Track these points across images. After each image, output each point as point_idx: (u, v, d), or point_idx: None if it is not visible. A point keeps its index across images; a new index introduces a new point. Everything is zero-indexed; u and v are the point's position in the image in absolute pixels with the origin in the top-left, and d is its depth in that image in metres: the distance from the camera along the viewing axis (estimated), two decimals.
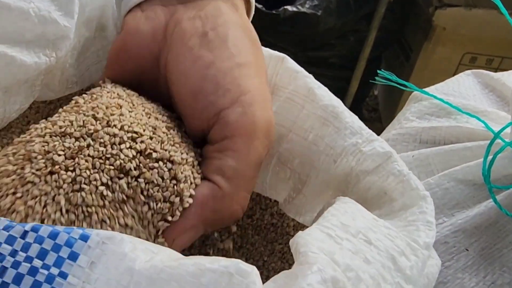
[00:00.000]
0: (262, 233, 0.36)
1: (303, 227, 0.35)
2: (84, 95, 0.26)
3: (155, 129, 0.25)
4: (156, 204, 0.23)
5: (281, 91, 0.30)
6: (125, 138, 0.23)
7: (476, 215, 0.35)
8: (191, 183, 0.24)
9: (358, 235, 0.23)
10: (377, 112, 1.55)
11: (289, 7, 1.15)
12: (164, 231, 0.24)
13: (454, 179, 0.36)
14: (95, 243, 0.18)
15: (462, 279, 0.34)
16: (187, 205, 0.24)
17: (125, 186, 0.23)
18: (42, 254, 0.18)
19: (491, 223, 0.35)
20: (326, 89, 0.30)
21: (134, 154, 0.23)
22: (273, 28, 1.15)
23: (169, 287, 0.18)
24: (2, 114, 0.29)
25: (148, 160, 0.23)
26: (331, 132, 0.29)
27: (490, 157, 0.34)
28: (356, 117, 0.29)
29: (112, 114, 0.24)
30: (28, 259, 0.18)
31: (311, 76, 0.30)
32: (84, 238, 0.18)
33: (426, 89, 0.43)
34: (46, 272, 0.18)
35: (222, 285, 0.18)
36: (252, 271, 0.19)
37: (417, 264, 0.24)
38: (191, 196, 0.24)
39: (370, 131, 0.29)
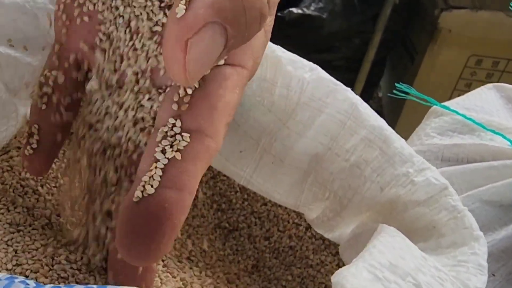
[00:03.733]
0: (280, 256, 0.34)
1: (323, 250, 0.34)
2: None
3: None
4: None
5: (315, 103, 0.28)
6: None
7: (503, 238, 0.34)
8: None
9: (407, 277, 0.21)
10: (381, 114, 1.54)
11: (294, 10, 1.13)
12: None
13: (480, 200, 0.35)
14: None
15: None
16: None
17: None
18: None
19: None
20: (368, 106, 0.28)
21: None
22: (278, 31, 1.14)
23: None
24: (15, 120, 0.28)
25: None
26: (377, 156, 0.27)
27: None
28: (404, 140, 0.28)
29: None
30: None
31: (350, 89, 0.28)
32: None
33: (446, 103, 0.41)
34: None
35: None
36: None
37: None
38: None
39: (421, 158, 0.27)
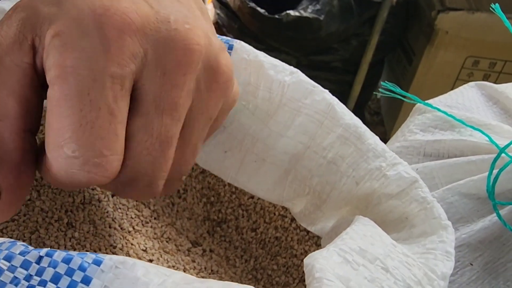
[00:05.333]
0: (266, 247, 0.36)
1: (307, 240, 0.35)
2: None
3: None
4: None
5: (294, 104, 0.30)
6: None
7: (480, 229, 0.35)
8: None
9: (376, 261, 0.23)
10: (379, 115, 1.55)
11: (291, 12, 1.15)
12: None
13: (458, 193, 0.36)
14: (108, 267, 0.19)
15: None
16: None
17: None
18: (56, 278, 0.18)
19: (495, 237, 0.35)
20: (344, 106, 0.29)
21: None
22: (275, 33, 1.15)
23: None
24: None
25: None
26: (352, 152, 0.28)
27: (495, 171, 0.34)
28: (377, 137, 0.29)
29: None
30: (42, 283, 0.18)
31: (327, 91, 0.30)
32: (97, 262, 0.19)
33: (430, 101, 0.43)
34: None
35: None
36: None
37: None
38: None
39: (393, 154, 0.29)
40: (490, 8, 0.38)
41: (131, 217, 0.32)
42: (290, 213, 0.36)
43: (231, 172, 0.32)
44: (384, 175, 0.28)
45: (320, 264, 0.21)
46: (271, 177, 0.31)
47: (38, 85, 0.22)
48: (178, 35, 0.22)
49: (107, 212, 0.32)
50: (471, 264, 0.35)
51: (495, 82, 1.34)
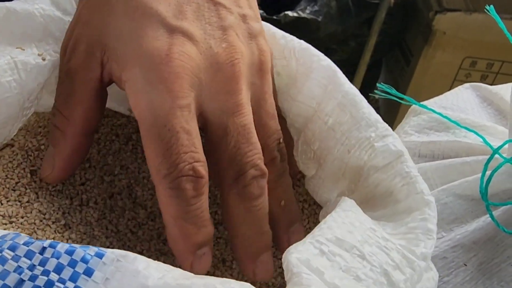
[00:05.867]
0: None
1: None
2: None
3: None
4: None
5: (305, 68, 0.31)
6: None
7: (474, 230, 0.35)
8: None
9: (352, 249, 0.23)
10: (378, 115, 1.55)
11: (289, 13, 1.15)
12: None
13: (453, 194, 0.37)
14: (110, 260, 0.20)
15: None
16: None
17: None
18: (58, 269, 0.19)
19: (489, 238, 0.35)
20: (343, 75, 0.30)
21: None
22: None
23: None
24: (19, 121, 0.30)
25: None
26: (347, 120, 0.29)
27: (488, 172, 0.35)
28: (373, 109, 0.29)
29: None
30: (45, 273, 0.19)
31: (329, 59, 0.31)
32: (99, 255, 0.20)
33: (425, 103, 0.43)
34: (62, 286, 0.19)
35: None
36: None
37: (412, 277, 0.24)
38: None
39: (386, 125, 0.29)
40: (485, 10, 0.39)
41: (128, 219, 0.33)
42: None
43: None
44: (372, 146, 0.28)
45: (297, 258, 0.22)
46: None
47: (102, 94, 0.29)
48: (219, 57, 0.27)
49: (104, 214, 0.32)
50: (465, 265, 0.35)
51: (492, 83, 1.35)
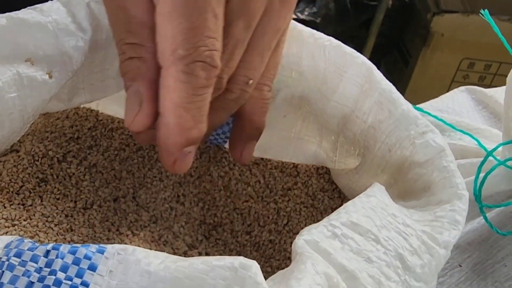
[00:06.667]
0: (261, 249, 0.37)
1: None
2: None
3: None
4: None
5: (337, 67, 0.30)
6: None
7: (469, 231, 0.36)
8: None
9: (367, 233, 0.23)
10: None
11: None
12: None
13: None
14: (111, 254, 0.21)
15: None
16: None
17: None
18: (64, 268, 0.20)
19: (484, 239, 0.36)
20: (379, 72, 0.30)
21: None
22: None
23: (183, 284, 0.20)
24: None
25: None
26: (386, 118, 0.29)
27: (482, 175, 0.35)
28: (410, 105, 0.30)
29: None
30: (53, 273, 0.20)
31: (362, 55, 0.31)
32: (101, 251, 0.21)
33: (421, 105, 0.44)
34: (70, 282, 0.20)
35: (228, 278, 0.20)
36: (253, 264, 0.21)
37: (431, 263, 0.24)
38: None
39: (425, 121, 0.29)
40: (490, 9, 0.39)
41: (130, 221, 0.33)
42: (282, 217, 0.37)
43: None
44: (413, 143, 0.28)
45: (304, 240, 0.22)
46: (325, 137, 0.33)
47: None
48: None
49: (106, 216, 0.33)
50: (460, 266, 0.36)
51: (490, 84, 1.35)
